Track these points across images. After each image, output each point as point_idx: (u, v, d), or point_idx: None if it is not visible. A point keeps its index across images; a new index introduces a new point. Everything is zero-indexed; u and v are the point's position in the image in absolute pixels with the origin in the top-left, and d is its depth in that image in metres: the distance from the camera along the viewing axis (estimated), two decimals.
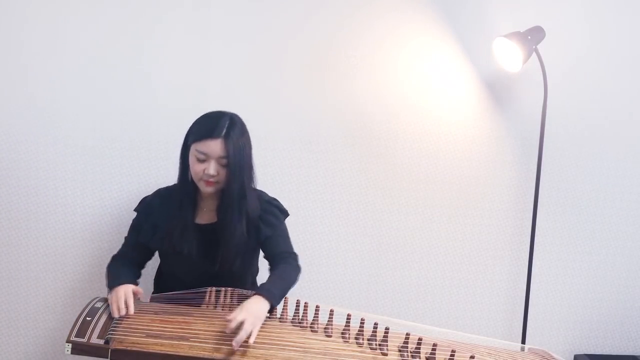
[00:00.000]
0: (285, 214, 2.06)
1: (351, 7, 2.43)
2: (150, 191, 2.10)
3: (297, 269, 1.98)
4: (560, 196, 2.61)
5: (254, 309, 1.72)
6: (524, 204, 2.58)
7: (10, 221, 2.33)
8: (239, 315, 1.67)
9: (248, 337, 1.65)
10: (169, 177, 2.15)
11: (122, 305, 1.77)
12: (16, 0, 2.23)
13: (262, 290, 1.79)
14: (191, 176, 1.92)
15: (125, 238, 2.07)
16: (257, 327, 1.69)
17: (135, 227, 2.04)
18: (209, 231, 1.95)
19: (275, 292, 1.81)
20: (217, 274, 1.94)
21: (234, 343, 1.63)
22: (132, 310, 1.78)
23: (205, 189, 1.90)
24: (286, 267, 1.94)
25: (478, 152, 2.55)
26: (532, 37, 2.36)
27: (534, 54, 2.38)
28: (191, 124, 1.93)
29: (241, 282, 2.01)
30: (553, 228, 2.62)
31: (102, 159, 2.34)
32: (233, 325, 1.66)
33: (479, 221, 2.58)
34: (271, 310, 1.81)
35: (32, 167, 2.31)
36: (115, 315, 1.76)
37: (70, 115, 2.31)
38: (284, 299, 1.89)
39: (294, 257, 2.00)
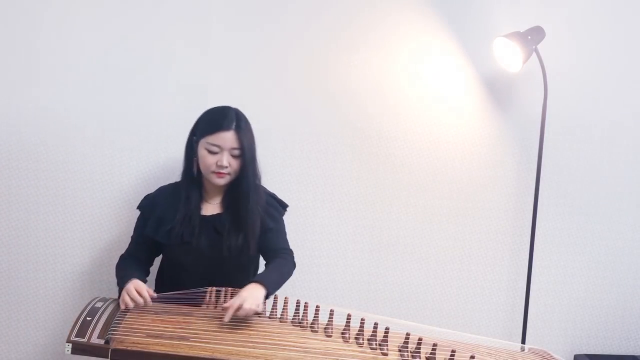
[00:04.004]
0: (284, 207, 2.13)
1: (353, 8, 2.43)
2: (151, 190, 2.11)
3: (292, 264, 2.04)
4: (560, 196, 2.61)
5: (249, 293, 1.77)
6: (524, 204, 2.58)
7: (10, 221, 2.33)
8: (235, 301, 1.73)
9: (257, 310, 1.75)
10: (171, 176, 2.15)
11: (136, 295, 1.80)
12: (22, 2, 2.24)
13: (256, 278, 1.84)
14: (195, 171, 1.99)
15: (132, 237, 2.09)
16: (260, 306, 1.77)
17: (140, 223, 2.07)
18: (215, 222, 2.00)
19: (270, 279, 1.86)
20: (223, 263, 1.98)
21: (241, 312, 1.73)
22: (149, 300, 1.81)
23: (217, 181, 1.95)
24: (282, 261, 1.99)
25: (478, 151, 2.55)
26: (532, 37, 2.36)
27: (534, 54, 2.38)
28: (196, 120, 2.00)
29: (244, 273, 2.05)
30: (553, 228, 2.62)
31: (103, 158, 2.34)
32: (231, 311, 1.73)
33: (479, 221, 2.58)
34: (267, 297, 1.83)
35: (32, 167, 2.31)
36: (130, 305, 1.79)
37: (72, 113, 2.31)
38: (282, 297, 1.89)
39: (290, 253, 2.06)
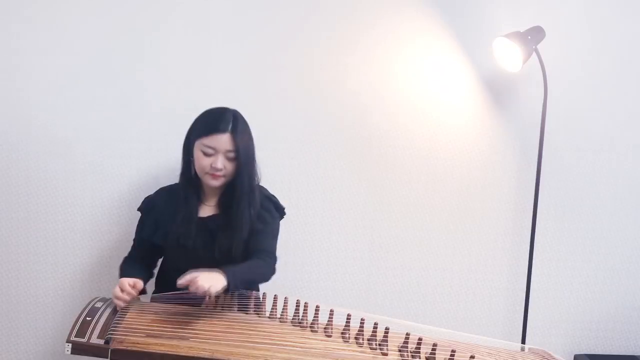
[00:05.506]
0: (281, 212, 2.10)
1: (351, 7, 2.43)
2: (151, 190, 2.11)
3: (269, 268, 1.96)
4: (560, 196, 2.61)
5: (208, 273, 1.72)
6: (524, 204, 2.58)
7: (10, 221, 2.33)
8: (194, 275, 1.70)
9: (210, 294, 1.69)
10: (173, 176, 2.15)
11: (119, 294, 1.82)
12: (13, 2, 2.24)
13: (224, 268, 1.77)
14: (194, 172, 1.97)
15: (133, 239, 2.10)
16: (213, 289, 1.69)
17: (139, 225, 2.07)
18: (211, 224, 1.99)
19: (235, 272, 1.77)
20: (215, 265, 1.94)
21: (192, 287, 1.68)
22: (133, 292, 1.83)
23: (211, 182, 1.95)
24: (258, 262, 1.93)
25: (478, 152, 2.55)
26: (532, 37, 2.36)
27: (534, 54, 2.38)
28: (193, 120, 1.98)
29: None
30: (553, 228, 2.62)
31: (102, 159, 2.35)
32: (187, 280, 1.69)
33: (479, 221, 2.58)
34: (227, 291, 1.76)
35: (32, 167, 2.32)
36: (119, 304, 1.82)
37: (71, 114, 2.31)
38: (282, 297, 1.89)
39: (271, 257, 1.99)
